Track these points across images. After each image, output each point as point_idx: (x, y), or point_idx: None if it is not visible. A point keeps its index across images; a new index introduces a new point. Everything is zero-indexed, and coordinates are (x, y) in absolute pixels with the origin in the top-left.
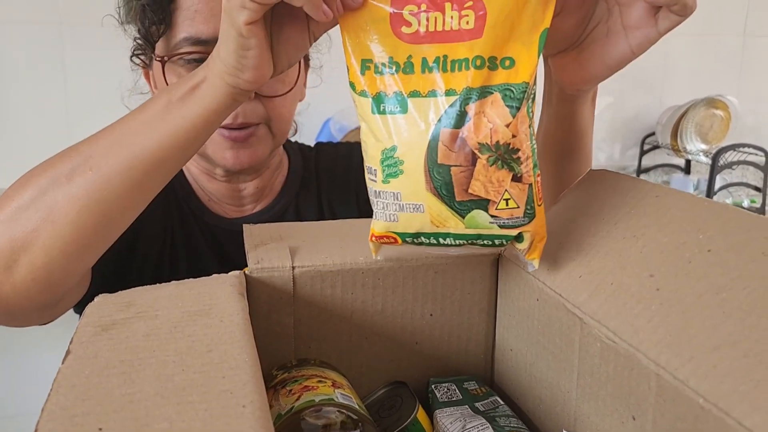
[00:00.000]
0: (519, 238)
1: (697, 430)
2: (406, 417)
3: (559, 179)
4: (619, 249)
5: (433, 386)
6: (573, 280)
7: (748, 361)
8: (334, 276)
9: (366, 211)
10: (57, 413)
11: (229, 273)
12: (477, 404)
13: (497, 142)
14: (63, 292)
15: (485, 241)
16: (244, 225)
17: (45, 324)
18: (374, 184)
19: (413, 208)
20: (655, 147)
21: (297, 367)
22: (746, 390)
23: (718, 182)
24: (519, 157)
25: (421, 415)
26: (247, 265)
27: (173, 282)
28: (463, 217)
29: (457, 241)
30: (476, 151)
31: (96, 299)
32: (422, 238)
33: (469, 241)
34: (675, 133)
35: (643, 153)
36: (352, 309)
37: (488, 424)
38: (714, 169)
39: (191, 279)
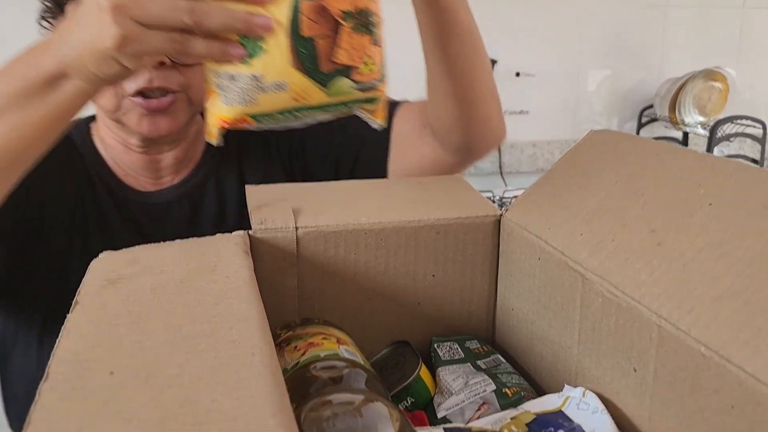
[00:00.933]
0: (372, 100)
1: (698, 378)
2: (409, 375)
3: (444, 66)
4: (620, 207)
5: (435, 345)
6: (574, 238)
7: (748, 310)
8: (338, 237)
9: (291, 170)
10: (68, 358)
11: (233, 233)
12: (479, 362)
13: (358, 7)
14: None
15: (344, 108)
16: (246, 186)
17: None
18: (229, 67)
19: (276, 88)
20: (653, 119)
21: (301, 326)
22: (747, 338)
23: (716, 154)
24: (375, 21)
25: (424, 372)
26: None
27: (178, 241)
28: (327, 87)
29: (317, 112)
30: (339, 19)
31: (101, 255)
32: (280, 115)
33: (329, 110)
34: (673, 105)
35: (640, 126)
36: (355, 269)
37: (490, 380)
38: (711, 142)
39: (195, 238)
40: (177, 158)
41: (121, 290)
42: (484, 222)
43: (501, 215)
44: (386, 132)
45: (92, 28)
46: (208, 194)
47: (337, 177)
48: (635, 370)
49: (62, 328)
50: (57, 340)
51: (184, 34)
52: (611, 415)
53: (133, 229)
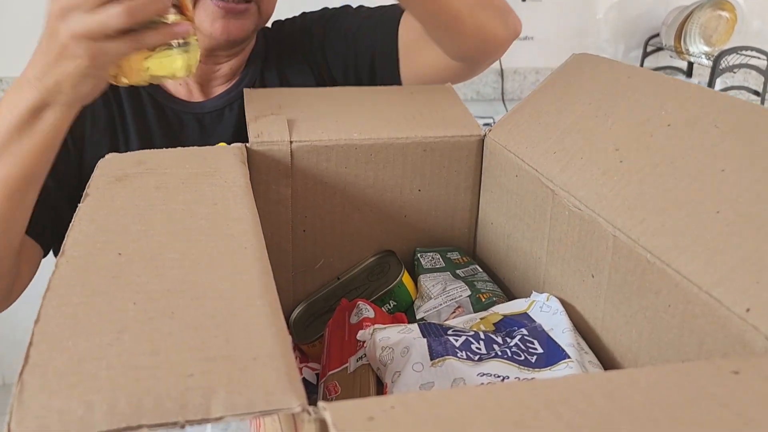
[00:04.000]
0: None
1: (644, 281)
2: (392, 280)
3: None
4: (591, 127)
5: (418, 255)
6: (548, 156)
7: (690, 220)
8: (330, 151)
9: (320, 76)
10: (80, 240)
11: (232, 144)
12: (458, 271)
13: None
14: None
15: None
16: (244, 90)
17: (9, 305)
18: None
19: None
20: (659, 49)
21: None
22: (685, 244)
23: (719, 85)
24: None
25: (406, 278)
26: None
27: (180, 148)
28: None
29: None
30: None
31: (107, 156)
32: None
33: None
34: (679, 34)
35: (645, 55)
36: (345, 182)
37: (466, 287)
38: (714, 72)
39: (196, 147)
40: (233, 68)
41: (128, 186)
42: (468, 141)
43: (485, 135)
44: (393, 42)
45: (61, 58)
46: None
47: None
48: (593, 276)
49: (74, 215)
50: (70, 225)
51: (134, 34)
52: (570, 316)
53: (188, 135)
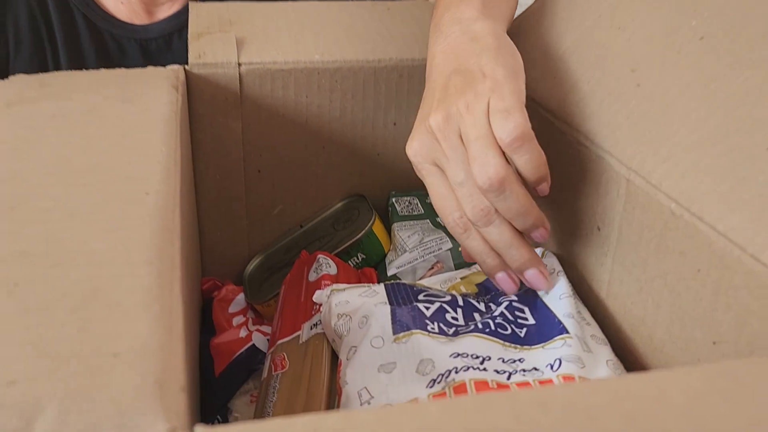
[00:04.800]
0: None
1: (666, 238)
2: (360, 229)
3: None
4: (602, 42)
5: (393, 199)
6: (547, 81)
7: (733, 157)
8: (286, 76)
9: None
10: None
11: (167, 66)
12: (439, 219)
13: None
14: None
15: None
16: (190, 3)
17: None
18: None
19: None
20: None
21: None
22: (725, 191)
23: None
24: None
25: (377, 227)
26: None
27: (103, 70)
28: None
29: None
30: None
31: (11, 78)
32: None
33: None
34: None
35: None
36: (307, 114)
37: (447, 238)
38: None
39: (123, 69)
40: None
41: (17, 113)
42: None
43: None
44: None
45: None
46: None
47: None
48: (599, 229)
49: None
50: None
51: None
52: (570, 278)
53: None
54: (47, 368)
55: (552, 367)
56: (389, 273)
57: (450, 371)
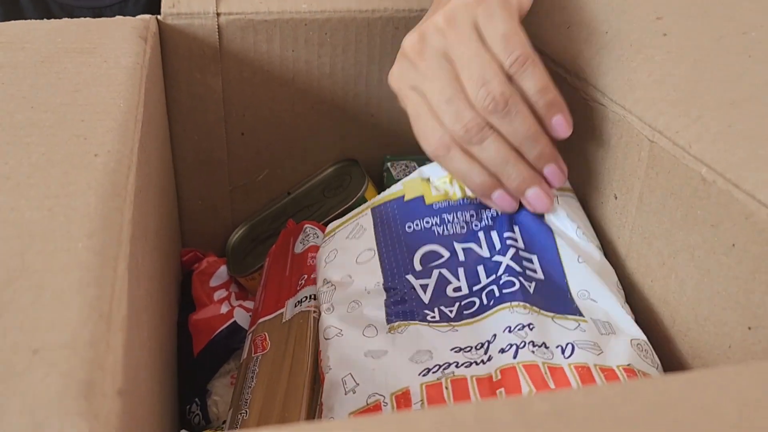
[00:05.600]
0: None
1: (695, 207)
2: (352, 196)
3: None
4: None
5: (388, 164)
6: (561, 31)
7: (764, 119)
8: (270, 27)
9: None
10: None
11: (137, 16)
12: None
13: None
14: None
15: None
16: None
17: None
18: None
19: None
20: None
21: None
22: (765, 155)
23: None
24: None
25: (370, 194)
26: None
27: (66, 19)
28: None
29: None
30: None
31: None
32: None
33: None
34: None
35: None
36: (293, 70)
37: None
38: None
39: (88, 18)
40: None
41: None
42: None
43: None
44: None
45: None
46: None
47: None
48: (616, 198)
49: None
50: None
51: None
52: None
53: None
54: None
55: (563, 352)
56: None
57: (450, 364)
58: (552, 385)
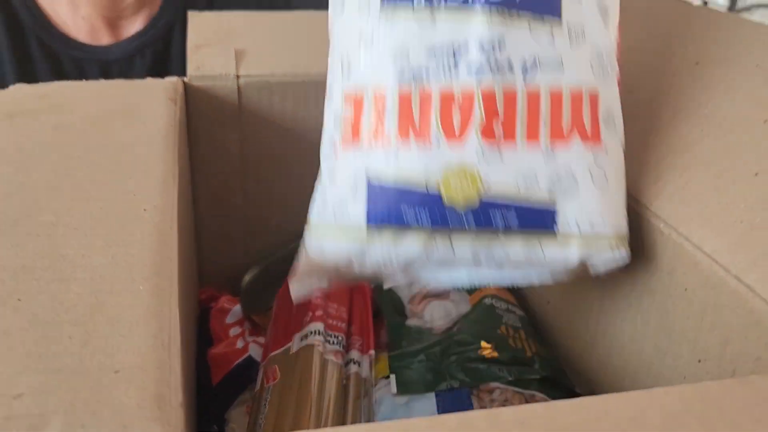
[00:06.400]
0: None
1: (655, 257)
2: None
3: None
4: None
5: None
6: None
7: (720, 181)
8: (284, 88)
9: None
10: None
11: (166, 78)
12: None
13: None
14: None
15: None
16: (189, 13)
17: None
18: None
19: None
20: None
21: None
22: (711, 213)
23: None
24: None
25: None
26: None
27: (102, 81)
28: None
29: None
30: None
31: (11, 87)
32: None
33: None
34: None
35: None
36: (304, 126)
37: None
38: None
39: (121, 80)
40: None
41: (19, 125)
42: None
43: None
44: None
45: None
46: (175, 42)
47: None
48: None
49: None
50: None
51: None
52: (560, 294)
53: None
54: (53, 382)
55: (525, 72)
56: (385, 286)
57: (422, 69)
58: (501, 114)
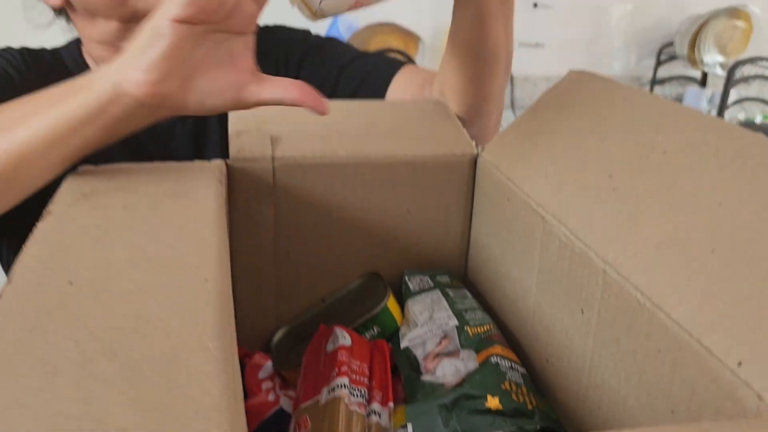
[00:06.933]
0: None
1: (634, 323)
2: (376, 304)
3: (473, 87)
4: (585, 150)
5: (406, 277)
6: (540, 179)
7: (683, 257)
8: (315, 169)
9: None
10: (32, 264)
11: (211, 161)
12: (447, 290)
13: None
14: None
15: None
16: None
17: None
18: None
19: None
20: (672, 58)
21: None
22: (677, 285)
23: (733, 96)
24: None
25: (391, 303)
26: (171, 158)
27: (156, 163)
28: None
29: None
30: None
31: (79, 168)
32: None
33: None
34: (693, 43)
35: (659, 63)
36: (331, 202)
37: (453, 316)
38: (729, 83)
39: (174, 162)
40: None
41: (93, 205)
42: (460, 161)
43: (477, 154)
44: (384, 83)
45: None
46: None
47: None
48: (582, 312)
49: (30, 234)
50: (23, 247)
51: None
52: (560, 351)
53: (135, 148)
54: (147, 419)
55: None
56: (402, 345)
57: None
58: None
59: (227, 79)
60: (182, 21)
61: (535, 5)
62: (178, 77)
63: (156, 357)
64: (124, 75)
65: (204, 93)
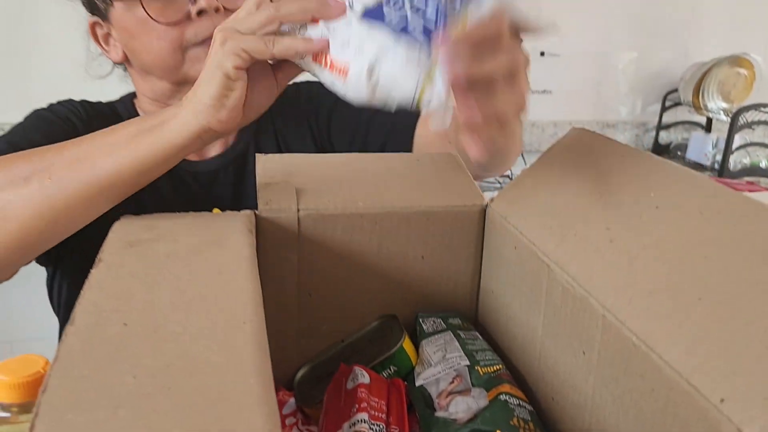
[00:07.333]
0: None
1: (630, 363)
2: (393, 345)
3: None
4: (585, 204)
5: (420, 319)
6: (545, 230)
7: (673, 304)
8: (336, 219)
9: (321, 144)
10: (89, 308)
11: (242, 211)
12: (459, 332)
13: None
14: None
15: None
16: (257, 156)
17: None
18: None
19: None
20: (677, 104)
21: None
22: (668, 329)
23: (737, 141)
24: None
25: (407, 344)
26: (221, 207)
27: (192, 213)
28: None
29: None
30: None
31: (122, 219)
32: None
33: None
34: (697, 90)
35: (664, 109)
36: (350, 249)
37: (465, 356)
38: (733, 129)
39: (208, 213)
40: None
41: (139, 252)
42: (470, 211)
43: (486, 205)
44: (410, 133)
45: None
46: (250, 160)
47: None
48: (584, 353)
49: (86, 280)
50: (81, 292)
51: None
52: (563, 391)
53: (184, 194)
54: None
55: None
56: (417, 384)
57: None
58: None
59: (268, 83)
60: (245, 68)
61: (543, 54)
62: (246, 107)
63: (204, 392)
64: (211, 117)
65: (258, 106)
